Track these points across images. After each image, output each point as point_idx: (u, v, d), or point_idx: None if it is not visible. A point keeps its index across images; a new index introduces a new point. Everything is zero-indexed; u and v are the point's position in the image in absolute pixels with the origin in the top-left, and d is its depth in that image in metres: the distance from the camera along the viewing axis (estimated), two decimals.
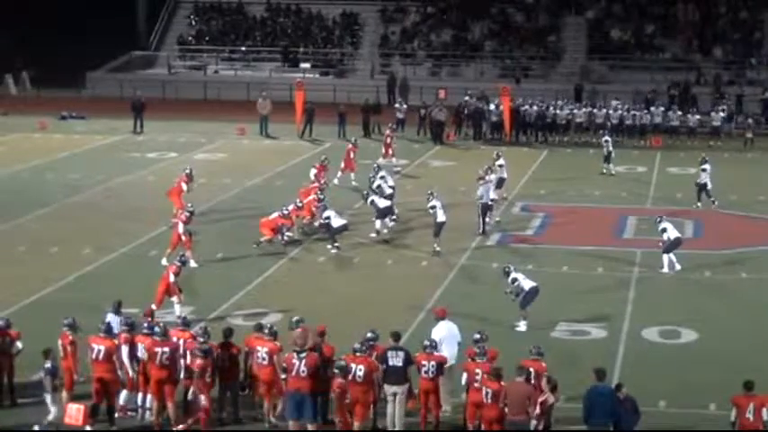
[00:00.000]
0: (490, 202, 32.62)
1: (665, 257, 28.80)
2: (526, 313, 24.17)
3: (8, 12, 68.00)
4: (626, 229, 33.97)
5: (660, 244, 29.11)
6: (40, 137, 49.45)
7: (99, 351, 19.18)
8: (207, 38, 68.04)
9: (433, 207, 30.75)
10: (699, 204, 35.97)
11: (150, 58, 67.86)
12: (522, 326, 23.94)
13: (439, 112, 49.21)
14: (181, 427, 19.11)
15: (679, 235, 29.20)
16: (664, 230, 28.91)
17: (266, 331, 19.63)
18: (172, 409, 19.17)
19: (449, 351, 19.86)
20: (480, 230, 32.14)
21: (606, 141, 41.84)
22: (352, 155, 38.75)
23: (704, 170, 36.21)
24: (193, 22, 69.40)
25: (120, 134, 49.83)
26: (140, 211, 34.97)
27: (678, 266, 28.67)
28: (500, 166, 36.07)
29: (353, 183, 37.03)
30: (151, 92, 57.19)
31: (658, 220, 29.48)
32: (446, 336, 20.09)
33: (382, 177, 33.65)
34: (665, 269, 28.66)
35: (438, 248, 30.35)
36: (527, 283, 24.23)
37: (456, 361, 19.91)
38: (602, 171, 41.46)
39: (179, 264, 24.99)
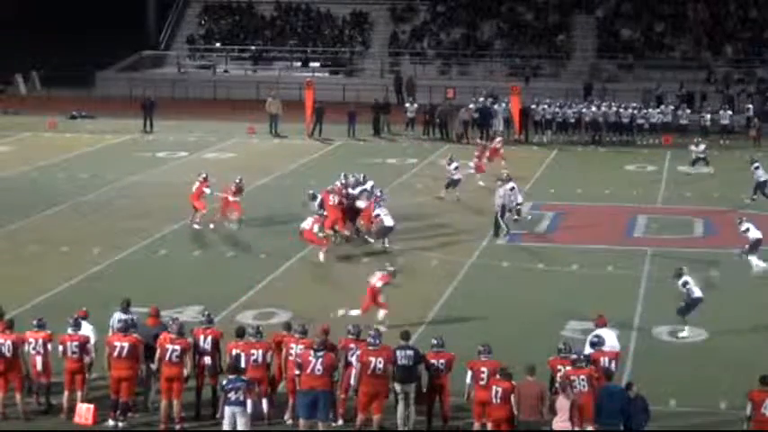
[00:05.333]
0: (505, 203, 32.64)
1: (752, 259, 28.45)
2: (684, 320, 23.83)
3: (17, 11, 68.19)
4: (636, 227, 33.93)
5: (746, 246, 28.70)
6: (50, 136, 49.59)
7: (122, 348, 19.20)
8: (216, 37, 68.15)
9: (378, 215, 30.57)
10: (754, 198, 36.01)
11: (160, 57, 67.98)
12: (685, 331, 23.68)
13: (464, 112, 49.06)
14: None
15: (760, 236, 28.68)
16: (747, 230, 28.62)
17: (297, 328, 19.76)
18: (177, 407, 19.22)
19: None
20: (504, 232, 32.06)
21: (697, 145, 41.69)
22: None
23: (757, 168, 36.05)
24: (203, 22, 69.51)
25: (130, 133, 49.92)
26: (150, 211, 35.01)
27: (764, 264, 28.44)
28: (455, 168, 36.30)
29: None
30: (161, 91, 57.42)
31: (740, 221, 29.14)
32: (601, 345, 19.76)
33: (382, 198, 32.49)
34: (756, 268, 28.34)
35: (387, 246, 30.43)
36: (696, 291, 23.79)
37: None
38: (689, 173, 41.22)
39: (387, 273, 24.61)
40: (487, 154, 39.97)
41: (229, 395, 18.45)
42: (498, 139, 43.36)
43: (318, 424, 18.63)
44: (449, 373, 19.13)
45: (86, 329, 20.13)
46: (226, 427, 18.57)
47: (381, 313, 24.06)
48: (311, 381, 18.55)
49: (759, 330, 24.46)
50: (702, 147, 41.65)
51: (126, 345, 19.25)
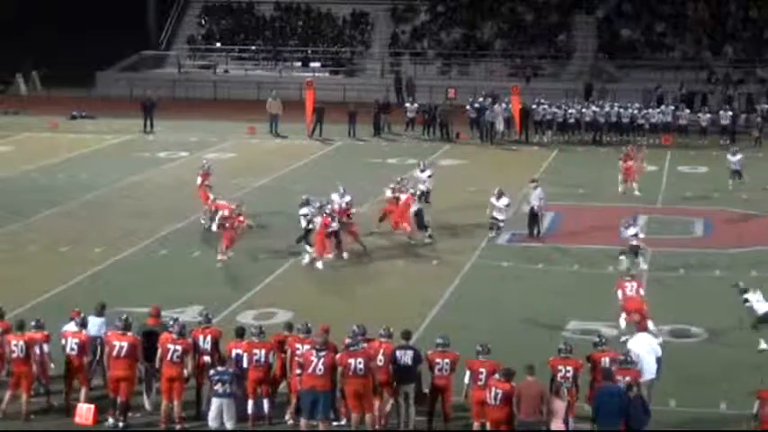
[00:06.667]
0: (535, 207, 32.34)
1: (623, 259, 28.17)
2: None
3: (18, 12, 68.18)
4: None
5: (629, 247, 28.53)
6: (50, 136, 49.60)
7: (121, 348, 19.18)
8: (217, 37, 68.16)
9: (306, 215, 29.75)
10: None
11: (160, 57, 67.99)
12: (762, 344, 23.06)
13: (490, 113, 48.96)
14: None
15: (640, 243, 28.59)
16: (635, 234, 28.40)
17: (301, 327, 19.75)
18: (178, 407, 19.22)
19: (645, 365, 19.30)
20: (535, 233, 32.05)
21: (734, 155, 38.31)
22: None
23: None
24: (203, 22, 69.53)
25: (130, 133, 49.93)
26: (150, 211, 35.00)
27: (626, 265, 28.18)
28: (428, 177, 35.38)
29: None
30: (161, 91, 57.39)
31: (627, 224, 28.78)
32: (642, 348, 19.56)
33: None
34: (621, 266, 28.12)
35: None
36: (761, 307, 23.39)
37: (656, 377, 19.46)
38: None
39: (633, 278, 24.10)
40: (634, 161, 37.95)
41: (216, 387, 18.52)
42: (634, 147, 40.15)
43: (319, 424, 18.64)
44: (452, 373, 19.09)
45: (71, 328, 20.09)
46: (212, 418, 18.65)
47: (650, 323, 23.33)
48: (312, 380, 18.53)
49: (759, 330, 24.43)
50: (739, 156, 38.13)
51: (125, 344, 19.21)
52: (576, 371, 18.71)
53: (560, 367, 18.65)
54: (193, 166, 37.69)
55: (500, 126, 49.19)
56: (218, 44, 67.68)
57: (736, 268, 29.11)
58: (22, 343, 19.51)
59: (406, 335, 19.62)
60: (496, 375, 18.13)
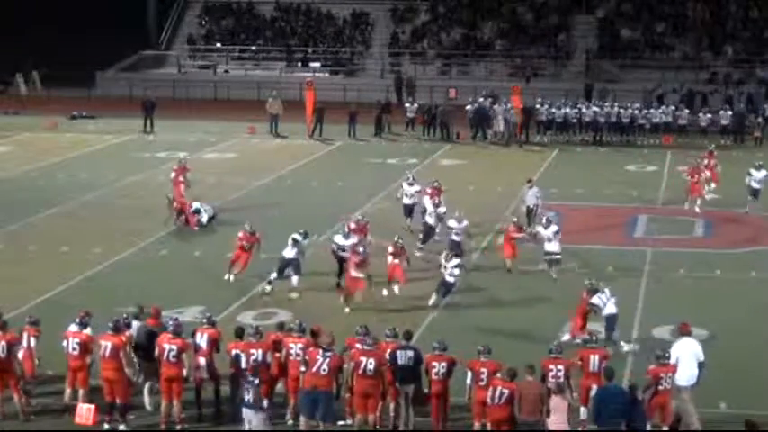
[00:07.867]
0: (531, 206, 32.48)
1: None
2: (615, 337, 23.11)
3: (18, 12, 68.13)
4: (637, 228, 33.93)
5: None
6: (50, 136, 49.57)
7: (105, 348, 19.11)
8: (217, 37, 68.15)
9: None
10: None
11: (160, 57, 67.98)
12: (625, 346, 23.03)
13: (510, 115, 48.93)
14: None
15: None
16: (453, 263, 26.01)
17: (295, 327, 19.75)
18: (177, 408, 19.20)
19: (686, 369, 19.23)
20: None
21: (758, 169, 35.43)
22: None
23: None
24: (203, 22, 69.53)
25: (130, 134, 49.92)
26: (150, 211, 34.96)
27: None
28: (417, 191, 32.98)
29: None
30: (161, 91, 57.35)
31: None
32: (685, 353, 19.46)
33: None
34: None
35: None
36: (609, 308, 23.18)
37: (696, 381, 19.32)
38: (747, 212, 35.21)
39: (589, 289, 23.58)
40: (705, 173, 36.12)
41: (244, 394, 18.42)
42: (706, 155, 37.90)
43: (320, 424, 18.62)
44: (449, 377, 19.01)
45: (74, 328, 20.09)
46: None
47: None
48: (315, 380, 18.52)
49: (759, 331, 24.45)
50: (763, 174, 35.15)
51: (108, 344, 19.11)
52: (567, 370, 18.69)
53: (551, 367, 18.65)
54: (193, 167, 37.68)
55: (500, 127, 49.18)
56: (218, 44, 67.69)
57: (736, 268, 29.14)
58: (3, 343, 19.47)
59: (408, 335, 19.62)
60: (499, 375, 18.12)
